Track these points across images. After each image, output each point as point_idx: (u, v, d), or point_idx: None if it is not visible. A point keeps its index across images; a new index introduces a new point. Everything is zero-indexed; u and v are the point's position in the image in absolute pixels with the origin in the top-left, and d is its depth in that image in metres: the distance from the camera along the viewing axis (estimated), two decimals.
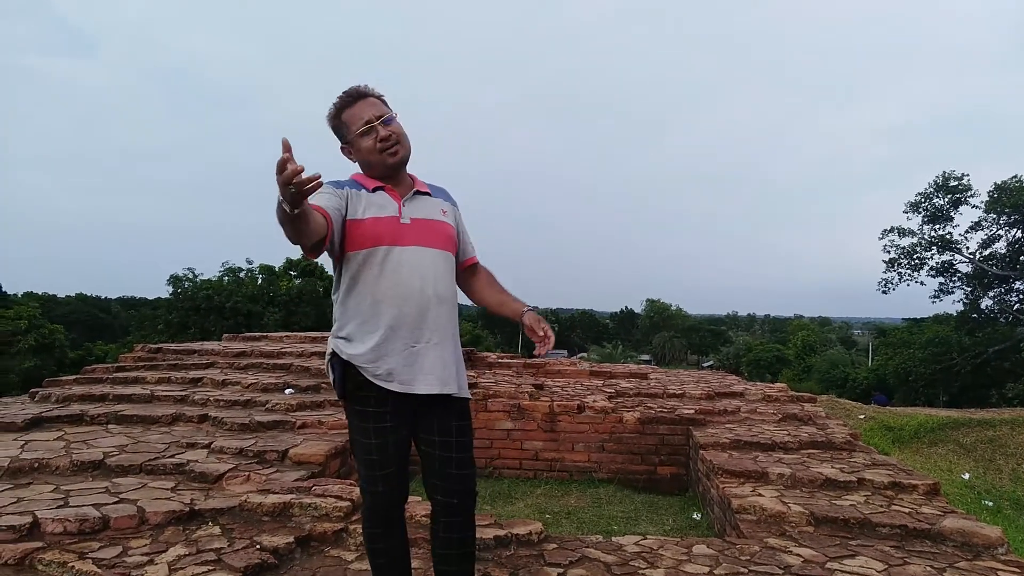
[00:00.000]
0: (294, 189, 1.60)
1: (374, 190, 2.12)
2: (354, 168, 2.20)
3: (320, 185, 1.66)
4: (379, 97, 2.13)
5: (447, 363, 2.11)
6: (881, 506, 3.72)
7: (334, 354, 2.12)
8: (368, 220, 2.07)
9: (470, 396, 2.24)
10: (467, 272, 2.36)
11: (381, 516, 2.17)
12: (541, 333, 2.11)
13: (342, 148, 2.17)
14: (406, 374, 2.06)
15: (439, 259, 2.13)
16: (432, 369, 2.08)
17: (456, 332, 2.19)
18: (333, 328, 2.16)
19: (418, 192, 2.18)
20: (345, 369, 2.09)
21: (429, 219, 2.15)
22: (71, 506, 3.26)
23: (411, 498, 3.22)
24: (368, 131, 2.07)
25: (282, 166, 1.57)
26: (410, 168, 2.22)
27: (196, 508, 3.34)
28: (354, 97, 2.09)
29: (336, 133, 2.15)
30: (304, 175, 1.59)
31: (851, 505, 3.72)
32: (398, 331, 2.05)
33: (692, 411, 5.93)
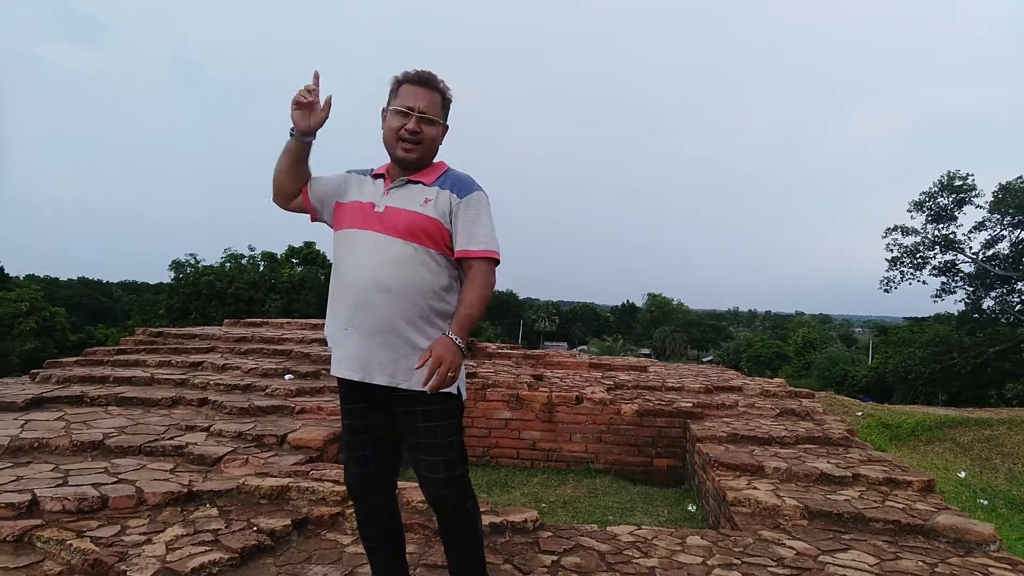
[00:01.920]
0: (294, 104, 2.01)
1: (376, 177, 2.12)
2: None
3: (310, 93, 2.02)
4: (445, 96, 2.06)
5: (375, 352, 1.98)
6: (875, 501, 3.74)
7: None
8: (348, 204, 2.10)
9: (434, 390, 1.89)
10: (464, 267, 2.06)
11: (357, 500, 2.19)
12: (423, 362, 1.85)
13: (382, 109, 2.11)
14: (338, 355, 2.07)
15: (393, 247, 1.98)
16: (357, 355, 2.00)
17: (407, 325, 1.97)
18: None
19: (411, 181, 2.06)
20: None
21: (402, 208, 2.02)
22: (70, 485, 3.29)
23: (407, 484, 3.25)
24: (403, 114, 2.01)
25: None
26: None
27: (194, 490, 3.36)
28: (419, 81, 2.03)
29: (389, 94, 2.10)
30: (304, 99, 2.01)
31: (845, 500, 3.74)
32: (340, 313, 2.04)
33: (690, 404, 5.95)
